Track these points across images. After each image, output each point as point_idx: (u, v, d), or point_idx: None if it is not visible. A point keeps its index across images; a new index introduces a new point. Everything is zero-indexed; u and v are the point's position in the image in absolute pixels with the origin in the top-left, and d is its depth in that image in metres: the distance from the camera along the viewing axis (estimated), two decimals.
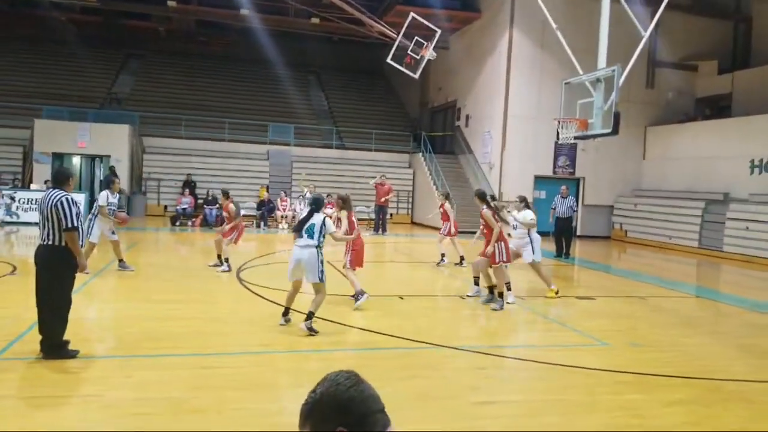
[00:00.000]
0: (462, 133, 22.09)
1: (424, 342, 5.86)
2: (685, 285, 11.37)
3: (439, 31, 14.81)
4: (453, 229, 11.32)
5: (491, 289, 7.73)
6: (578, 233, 18.31)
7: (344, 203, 7.62)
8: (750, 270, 13.52)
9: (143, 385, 4.35)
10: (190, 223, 17.81)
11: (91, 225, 8.85)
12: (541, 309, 7.86)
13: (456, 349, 5.74)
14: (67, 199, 4.81)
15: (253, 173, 21.36)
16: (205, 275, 9.28)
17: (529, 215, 8.34)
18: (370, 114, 26.19)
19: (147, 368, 4.76)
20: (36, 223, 5.04)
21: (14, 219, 15.24)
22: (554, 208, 13.84)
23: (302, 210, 17.93)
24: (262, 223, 18.06)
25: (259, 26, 21.78)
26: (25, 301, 5.50)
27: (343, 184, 21.03)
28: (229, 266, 9.43)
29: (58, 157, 19.43)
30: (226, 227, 9.73)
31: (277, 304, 7.22)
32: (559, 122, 11.27)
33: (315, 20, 21.00)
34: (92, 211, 9.08)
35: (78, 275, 5.05)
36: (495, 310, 7.46)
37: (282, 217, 18.40)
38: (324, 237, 5.94)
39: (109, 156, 19.71)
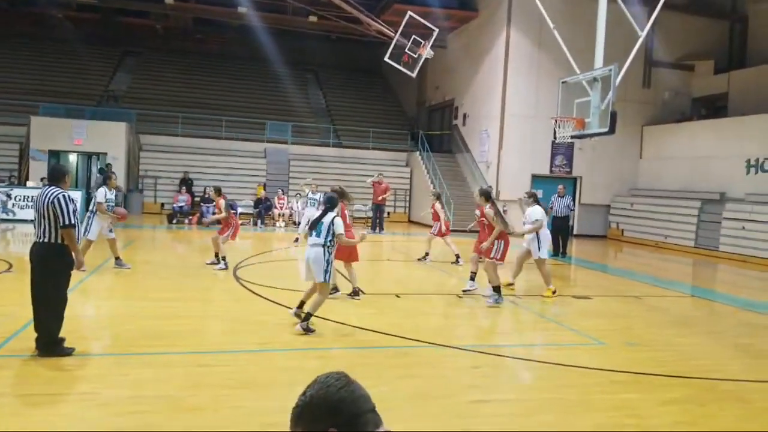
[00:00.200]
0: (459, 131, 22.11)
1: (420, 341, 5.87)
2: (681, 284, 11.41)
3: (436, 30, 14.80)
4: (444, 228, 11.45)
5: (498, 288, 7.84)
6: (575, 232, 18.35)
7: (340, 195, 7.59)
8: (746, 269, 13.58)
9: (139, 383, 4.35)
10: (186, 221, 17.78)
11: (89, 222, 8.80)
12: (537, 308, 7.88)
13: (453, 347, 5.75)
14: (63, 196, 4.80)
15: (250, 171, 21.33)
16: (201, 273, 9.27)
17: (536, 213, 8.35)
18: (367, 112, 26.18)
19: (143, 366, 4.75)
20: (32, 221, 5.02)
21: (10, 216, 15.19)
22: (551, 207, 13.87)
23: (300, 209, 18.00)
24: (259, 221, 18.04)
25: (256, 24, 21.75)
26: (21, 299, 5.48)
27: (341, 182, 21.00)
28: (225, 264, 9.43)
29: (55, 155, 19.37)
30: (207, 219, 9.70)
31: (274, 302, 7.23)
32: (556, 121, 11.28)
33: (313, 18, 20.97)
34: (90, 208, 9.00)
35: (73, 272, 5.04)
36: (489, 305, 7.55)
37: (279, 215, 18.38)
38: (332, 236, 5.87)
39: (105, 153, 19.67)
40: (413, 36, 14.81)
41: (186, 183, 19.43)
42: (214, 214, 10.40)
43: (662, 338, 6.55)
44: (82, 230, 8.57)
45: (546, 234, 8.47)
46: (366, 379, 5.15)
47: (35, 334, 4.81)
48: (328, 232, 5.83)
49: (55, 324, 4.82)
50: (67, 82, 23.47)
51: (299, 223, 17.01)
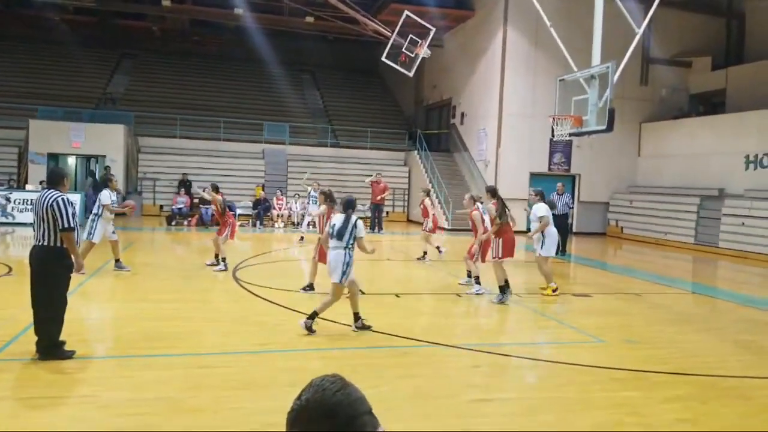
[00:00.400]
0: (457, 130, 22.11)
1: (420, 340, 5.87)
2: (681, 281, 11.41)
3: (433, 29, 14.81)
4: (431, 225, 11.63)
5: (506, 283, 7.93)
6: (574, 230, 18.35)
7: (326, 198, 7.94)
8: (746, 265, 13.59)
9: (139, 385, 4.34)
10: (186, 222, 17.76)
11: (94, 225, 8.76)
12: (537, 306, 7.88)
13: (453, 347, 5.75)
14: (62, 200, 4.79)
15: (248, 172, 21.32)
16: (201, 274, 9.26)
17: (540, 210, 8.37)
18: (365, 112, 26.17)
19: (143, 368, 4.75)
20: (32, 224, 5.01)
21: (10, 220, 15.17)
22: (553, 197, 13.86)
23: (300, 209, 17.99)
24: (258, 222, 18.03)
25: (253, 25, 21.73)
26: (21, 302, 5.47)
27: (339, 182, 21.02)
28: (225, 266, 9.42)
29: (53, 158, 19.36)
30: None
31: (274, 303, 7.23)
32: (554, 119, 11.28)
33: (310, 19, 20.95)
34: (94, 211, 8.93)
35: (73, 275, 5.03)
36: (494, 302, 7.72)
37: (278, 216, 18.37)
38: (354, 238, 5.86)
39: (104, 156, 19.65)
40: (410, 35, 14.82)
41: (185, 185, 19.42)
42: (214, 216, 10.35)
43: (663, 335, 6.55)
44: (86, 233, 8.59)
45: (552, 232, 8.48)
46: (366, 379, 5.14)
47: (35, 338, 4.80)
48: (350, 234, 5.82)
49: (56, 327, 4.81)
50: (65, 84, 23.45)
51: (299, 224, 17.02)
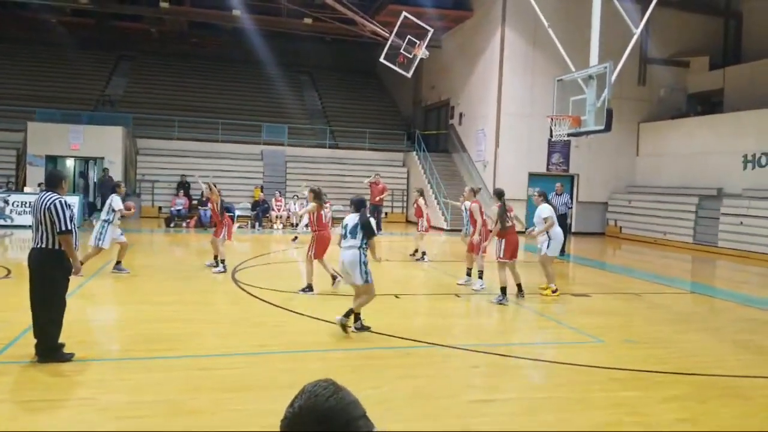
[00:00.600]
0: (456, 131, 22.12)
1: (420, 341, 5.87)
2: (680, 281, 11.43)
3: (431, 30, 14.82)
4: (426, 224, 11.87)
5: (519, 286, 8.12)
6: (573, 230, 18.37)
7: (315, 196, 8.04)
8: (745, 265, 13.61)
9: (138, 387, 4.34)
10: (184, 224, 17.75)
11: (104, 231, 8.77)
12: (536, 306, 7.88)
13: (452, 347, 5.75)
14: (60, 202, 4.78)
15: (247, 174, 21.31)
16: (200, 276, 9.26)
17: (542, 212, 8.43)
18: (363, 113, 26.18)
19: (142, 371, 4.74)
20: (30, 226, 5.00)
21: (8, 222, 15.14)
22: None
23: (297, 209, 17.96)
24: (257, 224, 18.02)
25: (251, 27, 21.72)
26: (20, 305, 5.46)
27: (338, 183, 21.02)
28: (224, 267, 9.42)
29: (52, 160, 19.33)
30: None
31: (273, 304, 7.23)
32: (552, 119, 11.29)
33: (308, 20, 20.96)
34: (104, 217, 8.92)
35: (72, 278, 5.02)
36: (493, 302, 7.82)
37: (277, 217, 18.35)
38: (366, 237, 5.85)
39: (102, 158, 19.63)
40: (408, 36, 14.83)
41: (183, 186, 19.40)
42: (211, 215, 10.39)
43: (662, 335, 6.56)
44: (94, 239, 8.65)
45: (557, 232, 8.50)
46: (366, 379, 5.13)
47: (34, 340, 4.80)
48: (363, 233, 5.80)
49: (55, 329, 4.81)
50: (63, 87, 23.43)
51: (296, 225, 17.02)
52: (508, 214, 8.04)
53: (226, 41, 27.99)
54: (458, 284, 9.06)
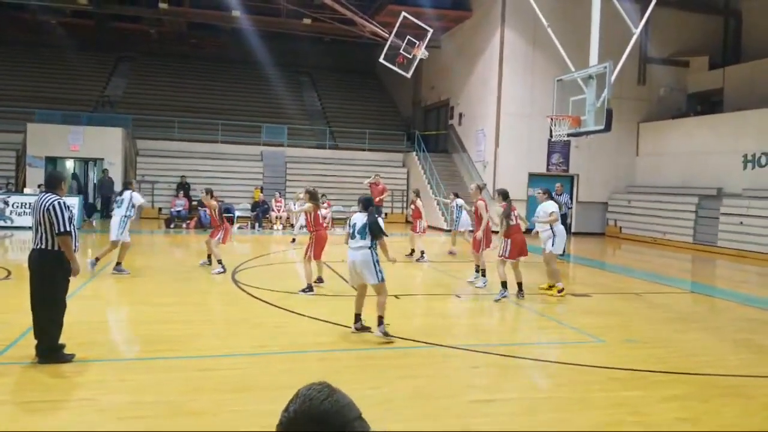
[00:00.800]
0: (455, 131, 22.13)
1: (420, 341, 5.87)
2: (680, 281, 11.43)
3: (431, 30, 14.81)
4: (425, 225, 12.01)
5: (519, 285, 8.19)
6: (573, 230, 18.37)
7: (311, 197, 8.13)
8: (744, 265, 13.61)
9: (139, 388, 4.34)
10: (184, 225, 17.75)
11: (125, 226, 8.94)
12: (537, 306, 7.88)
13: (453, 347, 5.75)
14: (59, 203, 4.78)
15: (247, 174, 21.32)
16: (200, 277, 9.26)
17: (548, 208, 8.45)
18: (363, 114, 26.19)
19: (143, 371, 4.74)
20: (30, 228, 5.00)
21: (8, 223, 15.14)
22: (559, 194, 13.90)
23: (295, 208, 17.96)
24: (257, 225, 18.02)
25: (250, 27, 21.74)
26: (20, 306, 5.46)
27: (338, 184, 21.03)
28: (223, 267, 9.42)
29: (52, 161, 19.34)
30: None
31: (273, 305, 7.23)
32: (552, 119, 11.29)
33: (307, 21, 20.97)
34: (125, 213, 9.02)
35: (73, 278, 5.02)
36: (496, 300, 7.94)
37: (277, 218, 18.35)
38: (376, 238, 5.79)
39: (102, 159, 19.64)
40: (408, 36, 14.83)
41: (183, 187, 19.41)
42: (210, 217, 10.47)
43: (662, 335, 6.56)
44: (116, 234, 8.80)
45: (561, 230, 8.52)
46: (367, 380, 5.12)
47: (35, 341, 4.80)
48: (372, 234, 5.73)
49: (55, 330, 4.81)
50: (63, 88, 23.44)
51: (294, 225, 17.02)
52: (512, 213, 8.12)
53: (225, 42, 28.01)
54: (468, 282, 9.19)
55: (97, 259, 8.97)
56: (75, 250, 4.90)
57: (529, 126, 18.37)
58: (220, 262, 9.48)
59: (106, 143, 19.47)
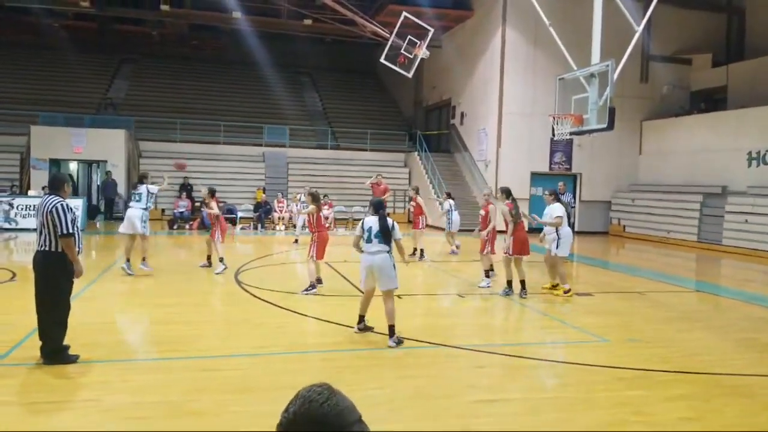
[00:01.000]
0: (457, 131, 22.11)
1: (421, 341, 5.86)
2: (684, 279, 11.39)
3: (432, 30, 14.80)
4: (426, 222, 12.08)
5: (522, 282, 8.21)
6: (576, 229, 18.32)
7: (314, 199, 8.23)
8: (749, 263, 13.55)
9: (142, 389, 4.35)
10: (187, 226, 17.79)
11: (146, 219, 9.10)
12: (539, 306, 7.86)
13: (454, 347, 5.74)
14: (61, 205, 4.79)
15: (249, 175, 21.34)
16: (202, 278, 9.27)
17: (554, 211, 8.44)
18: (364, 114, 26.19)
19: (146, 372, 4.76)
20: (34, 230, 5.03)
21: (13, 225, 15.21)
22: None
23: (297, 210, 18.00)
24: (259, 225, 18.05)
25: (251, 28, 21.77)
26: (25, 308, 5.49)
27: (340, 184, 21.04)
28: (225, 265, 9.53)
29: (55, 163, 19.41)
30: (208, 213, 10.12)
31: (275, 305, 7.23)
32: (554, 118, 11.26)
33: (308, 21, 20.97)
34: (144, 206, 9.11)
35: (77, 280, 5.03)
36: (500, 294, 8.13)
37: (279, 218, 18.38)
38: (392, 240, 5.73)
39: (105, 161, 19.69)
40: (408, 36, 14.81)
41: (186, 188, 19.44)
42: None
43: (666, 334, 6.53)
44: (142, 228, 8.95)
45: (566, 232, 8.49)
46: (368, 380, 5.12)
47: (40, 343, 4.82)
48: (387, 237, 5.65)
49: (59, 332, 4.83)
50: (66, 90, 23.51)
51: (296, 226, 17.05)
52: (519, 210, 8.22)
53: (226, 43, 28.05)
54: (479, 286, 8.86)
55: (144, 259, 9.18)
56: (79, 252, 4.92)
57: (531, 125, 18.34)
58: (221, 260, 9.54)
59: (109, 145, 19.52)
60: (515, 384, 4.91)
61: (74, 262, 4.83)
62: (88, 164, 21.25)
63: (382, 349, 5.59)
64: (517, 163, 18.72)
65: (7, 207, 15.35)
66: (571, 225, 15.59)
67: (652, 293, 9.07)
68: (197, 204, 18.99)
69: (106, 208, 19.37)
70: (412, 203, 12.33)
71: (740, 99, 17.30)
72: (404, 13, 14.54)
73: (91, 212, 19.04)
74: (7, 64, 23.69)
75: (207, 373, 4.77)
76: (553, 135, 11.64)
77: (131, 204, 9.26)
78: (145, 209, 9.12)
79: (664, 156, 18.96)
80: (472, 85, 20.82)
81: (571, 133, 11.20)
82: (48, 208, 4.77)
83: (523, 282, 8.19)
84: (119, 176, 19.41)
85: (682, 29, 19.66)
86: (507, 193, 8.39)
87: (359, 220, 6.07)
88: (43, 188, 15.96)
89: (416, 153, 22.31)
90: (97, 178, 21.33)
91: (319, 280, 8.44)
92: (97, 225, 18.10)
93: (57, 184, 5.04)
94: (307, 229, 9.53)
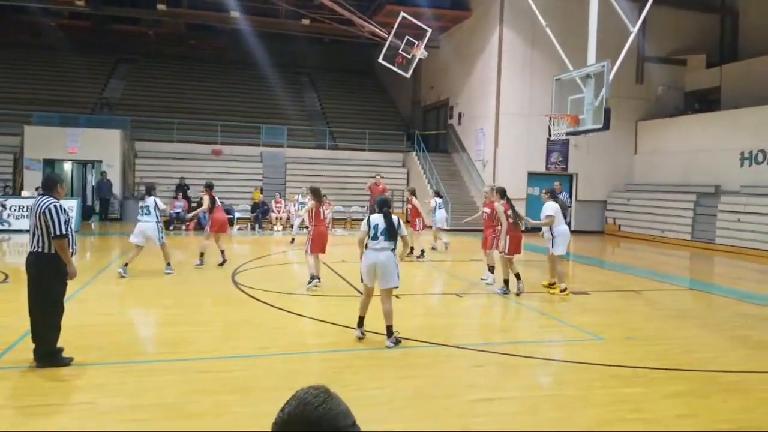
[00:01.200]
0: (455, 131, 22.14)
1: (420, 340, 5.86)
2: (679, 278, 11.44)
3: (429, 30, 14.81)
4: (422, 223, 12.17)
5: (517, 275, 8.38)
6: (572, 229, 18.36)
7: (314, 194, 8.37)
8: (742, 261, 13.63)
9: (139, 391, 4.33)
10: (184, 227, 17.73)
11: (160, 228, 9.35)
12: (535, 305, 7.88)
13: (453, 347, 5.74)
14: (55, 206, 4.75)
15: (246, 176, 21.30)
16: (199, 279, 9.25)
17: (545, 210, 8.51)
18: (363, 114, 26.19)
19: (142, 374, 4.73)
20: (27, 231, 4.99)
21: (6, 227, 15.12)
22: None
23: (294, 211, 18.00)
24: (257, 226, 18.01)
25: (249, 28, 21.73)
26: (18, 310, 5.45)
27: (338, 184, 21.03)
28: (201, 261, 9.88)
29: (49, 164, 19.31)
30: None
31: (273, 306, 7.22)
32: (550, 119, 11.31)
33: (306, 21, 20.96)
34: (156, 219, 9.37)
35: (71, 282, 5.01)
36: (497, 293, 8.23)
37: (277, 219, 18.35)
38: (396, 239, 5.72)
39: (100, 161, 19.61)
40: (406, 36, 14.82)
41: (182, 189, 19.38)
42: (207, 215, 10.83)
43: (661, 332, 6.57)
44: (159, 238, 9.22)
45: (562, 230, 8.51)
46: (367, 380, 5.11)
47: (33, 345, 4.78)
48: (392, 234, 5.64)
49: (53, 334, 4.79)
50: (61, 90, 23.39)
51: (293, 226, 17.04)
52: (513, 210, 8.32)
53: (224, 43, 27.99)
54: (482, 279, 9.24)
55: (168, 264, 9.45)
56: (73, 254, 4.89)
57: (528, 125, 18.40)
58: (202, 255, 9.85)
59: (104, 145, 19.43)
60: (514, 383, 4.91)
61: (68, 263, 4.79)
62: (83, 165, 21.15)
63: (382, 349, 5.59)
64: (514, 163, 18.77)
65: (0, 208, 15.26)
66: (568, 224, 15.77)
67: (648, 291, 9.11)
68: (193, 205, 18.96)
69: (101, 209, 19.28)
70: (409, 205, 12.40)
71: (733, 99, 17.41)
72: (402, 14, 14.55)
73: (86, 213, 18.95)
74: (1, 63, 23.56)
75: (205, 375, 4.75)
76: (550, 135, 11.68)
77: (141, 218, 9.38)
78: (157, 222, 9.31)
79: (659, 156, 19.05)
80: (469, 85, 20.85)
81: (568, 133, 11.25)
82: (41, 209, 4.73)
83: (517, 275, 8.36)
84: (114, 177, 19.32)
85: (676, 30, 19.77)
86: (502, 192, 8.50)
87: (357, 220, 6.08)
88: (37, 189, 15.89)
89: (414, 153, 22.33)
90: (92, 179, 21.23)
91: (316, 278, 8.44)
92: (92, 226, 18.02)
93: (51, 185, 4.99)
94: (304, 229, 9.68)
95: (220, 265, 10.10)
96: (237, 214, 18.85)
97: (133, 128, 21.29)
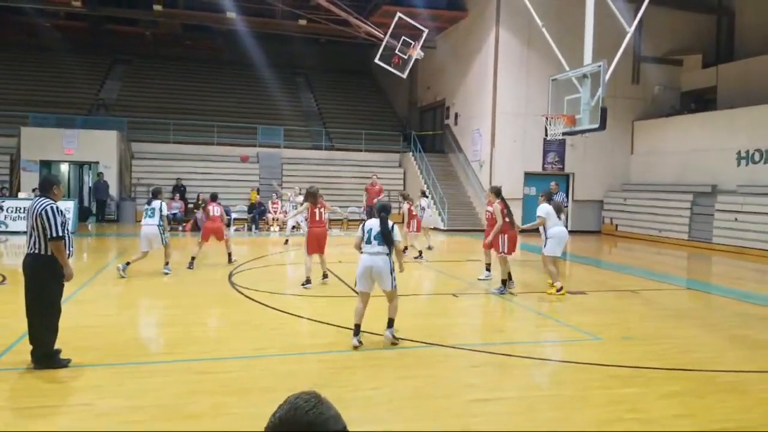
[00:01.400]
0: (451, 131, 22.16)
1: (419, 341, 5.87)
2: (676, 277, 11.47)
3: (426, 31, 14.83)
4: (416, 226, 12.31)
5: (509, 274, 8.48)
6: (569, 229, 18.36)
7: (308, 195, 8.49)
8: (739, 261, 13.68)
9: (136, 392, 4.32)
10: (180, 228, 17.70)
11: (163, 230, 9.37)
12: (533, 305, 7.90)
13: (451, 347, 5.75)
14: (51, 208, 4.74)
15: (243, 176, 21.28)
16: (196, 280, 9.23)
17: (540, 210, 8.58)
18: (359, 114, 26.19)
19: (140, 375, 4.72)
20: (24, 232, 4.97)
21: (2, 228, 15.06)
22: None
23: (289, 209, 17.99)
24: (253, 227, 17.99)
25: (246, 29, 21.72)
26: (15, 311, 5.43)
27: (334, 185, 21.02)
28: (191, 265, 9.94)
29: (46, 165, 19.25)
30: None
31: (270, 307, 7.21)
32: (547, 119, 11.33)
33: (302, 22, 20.96)
34: (159, 222, 9.38)
35: (67, 283, 4.99)
36: (494, 293, 8.30)
37: (273, 219, 18.33)
38: (392, 244, 5.69)
39: (97, 162, 19.56)
40: (403, 37, 14.85)
41: (179, 190, 19.36)
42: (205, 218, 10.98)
43: (659, 332, 6.58)
44: (162, 240, 9.28)
45: (556, 231, 8.51)
46: (365, 380, 5.11)
47: (30, 347, 4.77)
48: (387, 241, 5.61)
49: (50, 336, 4.78)
50: (57, 91, 23.32)
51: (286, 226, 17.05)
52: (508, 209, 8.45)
53: (220, 44, 27.96)
54: (479, 279, 9.41)
55: (167, 264, 9.50)
56: (69, 255, 4.87)
57: (525, 125, 18.44)
58: (193, 259, 10.02)
59: (100, 146, 19.39)
60: (511, 383, 4.92)
61: (64, 265, 4.77)
62: (80, 166, 21.09)
63: (380, 349, 5.59)
64: (510, 163, 18.81)
65: None
66: (565, 224, 15.80)
67: (645, 291, 9.14)
68: (190, 206, 18.92)
69: (98, 210, 19.23)
70: (407, 211, 12.48)
71: (730, 99, 17.48)
72: (398, 14, 14.57)
73: (83, 214, 18.90)
74: None
75: (203, 376, 4.74)
76: (546, 135, 11.71)
77: (145, 220, 9.42)
78: (159, 225, 9.34)
79: (656, 156, 19.11)
80: (466, 85, 20.88)
81: (564, 134, 11.27)
82: (38, 210, 4.72)
83: (509, 274, 8.49)
84: (111, 178, 19.28)
85: (672, 30, 19.83)
86: (497, 192, 8.60)
87: (354, 221, 6.11)
88: (34, 190, 15.83)
89: (411, 153, 22.34)
90: (88, 180, 21.18)
91: (308, 281, 8.49)
92: (89, 227, 17.97)
93: (47, 186, 4.97)
94: (296, 230, 9.76)
95: (230, 262, 10.56)
96: (233, 215, 18.83)
97: (130, 129, 21.25)
